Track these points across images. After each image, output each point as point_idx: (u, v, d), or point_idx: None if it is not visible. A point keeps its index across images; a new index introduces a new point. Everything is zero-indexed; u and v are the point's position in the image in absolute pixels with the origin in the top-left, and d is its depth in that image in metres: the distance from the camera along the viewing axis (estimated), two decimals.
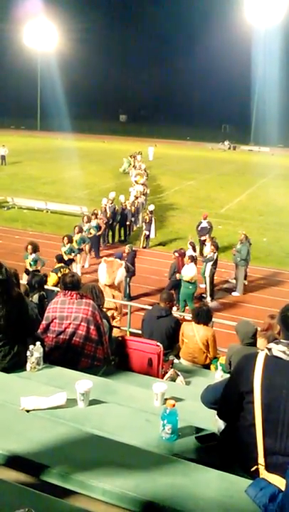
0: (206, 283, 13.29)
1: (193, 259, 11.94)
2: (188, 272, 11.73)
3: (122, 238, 18.63)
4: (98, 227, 16.29)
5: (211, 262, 13.14)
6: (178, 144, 66.37)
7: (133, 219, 19.48)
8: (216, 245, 13.47)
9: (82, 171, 33.85)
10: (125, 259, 11.98)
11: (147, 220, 17.67)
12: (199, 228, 16.57)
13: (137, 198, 20.82)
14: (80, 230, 14.64)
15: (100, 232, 16.44)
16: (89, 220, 16.08)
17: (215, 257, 13.24)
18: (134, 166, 30.63)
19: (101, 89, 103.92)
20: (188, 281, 11.72)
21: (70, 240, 13.84)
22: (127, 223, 18.73)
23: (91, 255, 15.80)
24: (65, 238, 13.81)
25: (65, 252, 13.31)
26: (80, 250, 14.49)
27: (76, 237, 14.26)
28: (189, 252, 12.93)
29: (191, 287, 11.72)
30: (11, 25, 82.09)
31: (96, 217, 16.50)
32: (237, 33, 78.63)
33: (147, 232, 17.70)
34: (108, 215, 17.84)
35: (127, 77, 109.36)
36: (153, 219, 17.87)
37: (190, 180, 34.06)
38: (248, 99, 77.95)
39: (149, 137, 67.88)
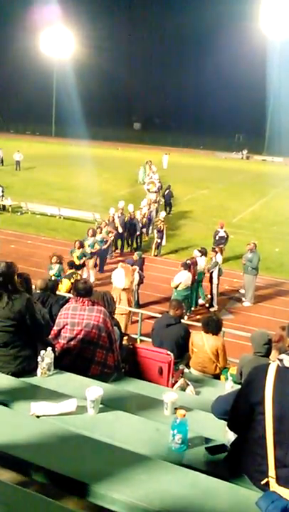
0: (212, 291, 13.33)
1: (186, 266, 11.93)
2: (176, 278, 11.78)
3: (134, 246, 18.29)
4: (104, 242, 15.60)
5: (217, 268, 13.20)
6: (191, 153, 66.44)
7: (144, 229, 19.33)
8: (215, 251, 13.77)
9: (96, 178, 33.96)
10: (134, 266, 12.12)
11: (161, 228, 17.63)
12: (217, 237, 16.37)
13: (149, 205, 20.70)
14: (81, 245, 13.79)
15: (105, 246, 15.75)
16: (94, 234, 15.15)
17: (220, 261, 13.42)
18: (148, 175, 30.58)
19: (115, 97, 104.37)
20: (175, 288, 11.79)
21: (82, 245, 13.80)
22: (137, 233, 18.46)
23: (96, 269, 15.25)
24: (77, 243, 13.76)
25: (77, 257, 13.31)
26: (83, 266, 13.79)
27: (76, 253, 13.48)
28: (197, 256, 13.03)
29: (176, 294, 11.69)
30: (28, 32, 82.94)
31: (101, 231, 15.83)
32: (252, 42, 78.64)
33: (159, 240, 17.67)
34: (116, 225, 17.43)
35: (141, 85, 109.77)
36: (164, 227, 17.85)
37: (203, 189, 34.05)
38: (262, 108, 77.82)
39: (163, 145, 68.04)
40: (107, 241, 15.81)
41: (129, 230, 18.17)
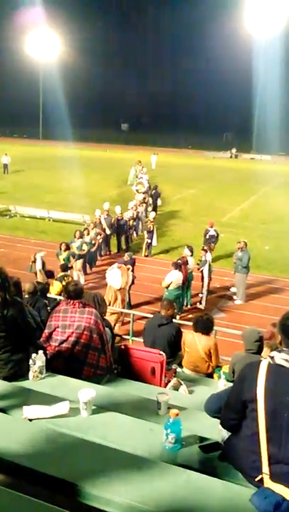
0: (203, 290, 13.39)
1: (177, 266, 11.95)
2: (167, 278, 11.81)
3: (123, 248, 18.14)
4: (92, 244, 15.51)
5: (207, 266, 13.25)
6: (179, 153, 66.52)
7: (131, 231, 19.17)
8: (204, 250, 13.87)
9: (84, 180, 33.90)
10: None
11: (151, 229, 17.62)
12: (208, 236, 16.47)
13: (136, 206, 20.57)
14: (67, 248, 13.75)
15: (94, 248, 15.73)
16: (81, 236, 15.00)
17: (209, 259, 13.52)
18: (137, 176, 30.52)
19: (102, 98, 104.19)
20: (166, 288, 11.81)
21: (68, 247, 13.80)
22: (127, 234, 18.42)
23: (87, 272, 15.39)
24: (63, 245, 13.75)
25: (63, 260, 13.26)
26: (69, 268, 13.42)
27: (63, 255, 13.44)
28: (188, 255, 13.06)
29: (167, 294, 11.71)
30: (13, 34, 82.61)
31: (88, 233, 15.69)
32: (238, 42, 78.91)
33: (149, 241, 17.66)
34: (103, 227, 17.40)
35: (128, 86, 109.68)
36: (154, 227, 17.85)
37: (192, 188, 34.11)
38: (249, 107, 78.13)
39: (151, 146, 68.05)
40: (95, 243, 15.75)
41: (116, 231, 18.12)
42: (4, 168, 36.76)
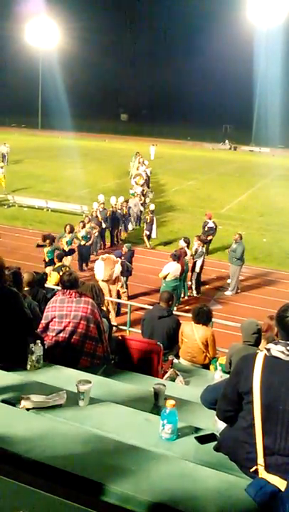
0: (192, 278, 13.49)
1: (175, 257, 11.95)
2: (165, 269, 11.81)
3: (116, 241, 17.82)
4: (88, 238, 14.73)
5: (201, 257, 13.33)
6: (178, 144, 66.35)
7: (124, 225, 18.85)
8: (202, 240, 13.97)
9: (83, 170, 33.83)
10: (122, 258, 12.14)
11: (148, 220, 17.54)
12: (206, 228, 16.43)
13: (127, 201, 19.78)
14: (71, 230, 13.33)
15: (90, 242, 14.93)
16: (71, 230, 13.88)
17: (204, 251, 13.74)
18: (137, 168, 30.27)
19: (102, 88, 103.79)
20: (164, 279, 11.82)
21: (72, 230, 13.53)
22: (120, 228, 18.20)
23: (84, 268, 14.72)
24: (67, 227, 13.45)
25: (66, 242, 13.13)
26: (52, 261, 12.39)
27: (47, 249, 12.20)
28: (184, 246, 13.06)
29: (164, 285, 11.71)
30: (13, 23, 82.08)
31: (84, 227, 14.82)
32: (239, 33, 78.61)
33: (148, 232, 17.59)
34: (100, 220, 16.96)
35: (128, 76, 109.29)
36: (154, 219, 17.75)
37: (190, 180, 34.05)
38: (250, 99, 77.95)
39: (150, 136, 67.83)
40: (90, 237, 15.00)
41: (111, 224, 17.72)
42: (3, 157, 36.57)
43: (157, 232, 18.26)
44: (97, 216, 17.14)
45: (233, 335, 8.30)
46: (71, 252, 13.63)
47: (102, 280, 10.97)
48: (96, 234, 16.14)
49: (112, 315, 10.62)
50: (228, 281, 14.31)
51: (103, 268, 11.02)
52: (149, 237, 17.64)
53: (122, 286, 11.84)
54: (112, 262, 11.23)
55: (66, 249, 13.32)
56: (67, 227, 13.83)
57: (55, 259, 11.30)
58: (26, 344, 4.13)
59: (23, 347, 4.14)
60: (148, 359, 5.03)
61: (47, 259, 12.06)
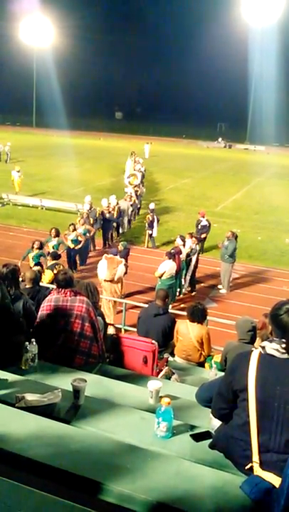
0: (186, 275, 13.43)
1: (170, 255, 11.93)
2: (160, 267, 11.74)
3: (108, 244, 17.33)
4: (77, 241, 14.20)
5: (195, 255, 13.36)
6: (173, 142, 66.34)
7: (115, 224, 18.37)
8: (197, 238, 14.06)
9: (78, 168, 33.77)
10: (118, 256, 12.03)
11: (150, 219, 17.32)
12: (200, 226, 16.39)
13: (117, 202, 19.07)
14: (40, 247, 12.08)
15: (79, 246, 14.27)
16: (57, 234, 13.30)
17: (198, 249, 13.79)
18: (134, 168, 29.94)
19: (97, 87, 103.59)
20: (159, 277, 11.78)
21: (58, 234, 13.21)
22: (111, 231, 17.84)
23: (78, 268, 14.34)
24: (53, 231, 13.18)
25: (53, 247, 12.87)
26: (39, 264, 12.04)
27: (32, 254, 11.91)
28: (180, 244, 13.04)
29: (160, 283, 11.69)
30: (7, 21, 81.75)
31: (74, 229, 14.28)
32: (233, 31, 78.50)
33: (150, 232, 17.35)
34: (91, 222, 16.36)
35: (123, 75, 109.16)
36: (155, 218, 17.46)
37: (185, 178, 34.05)
38: (244, 98, 77.93)
39: (145, 135, 67.81)
40: (81, 241, 14.33)
41: (102, 226, 17.37)
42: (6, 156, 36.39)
43: (157, 231, 18.16)
44: (88, 217, 16.53)
45: (228, 333, 8.33)
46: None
47: (105, 280, 10.87)
48: (88, 236, 15.43)
49: (110, 312, 10.56)
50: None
51: (106, 268, 10.86)
52: (151, 236, 17.47)
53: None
54: (115, 262, 11.07)
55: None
56: (53, 231, 13.35)
57: (49, 258, 11.26)
58: (20, 343, 4.12)
59: (17, 346, 4.14)
60: (143, 357, 5.02)
61: (32, 265, 11.77)
